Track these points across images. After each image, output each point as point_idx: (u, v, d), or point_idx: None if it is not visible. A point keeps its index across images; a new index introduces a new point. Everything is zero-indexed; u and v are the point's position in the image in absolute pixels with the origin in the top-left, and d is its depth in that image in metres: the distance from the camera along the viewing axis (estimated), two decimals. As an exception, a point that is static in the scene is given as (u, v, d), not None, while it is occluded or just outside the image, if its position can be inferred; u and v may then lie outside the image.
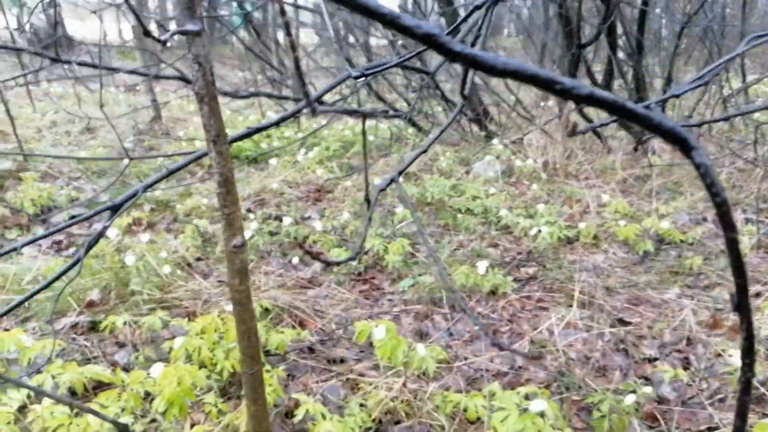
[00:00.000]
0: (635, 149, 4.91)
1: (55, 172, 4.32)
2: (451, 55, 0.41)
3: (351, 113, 4.99)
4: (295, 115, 1.57)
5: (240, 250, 1.14)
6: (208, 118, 1.06)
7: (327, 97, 5.81)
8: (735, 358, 2.25)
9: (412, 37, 0.42)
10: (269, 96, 4.07)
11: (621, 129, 5.78)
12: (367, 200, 0.84)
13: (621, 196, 4.37)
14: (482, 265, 2.82)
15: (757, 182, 4.35)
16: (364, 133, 1.05)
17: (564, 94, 0.37)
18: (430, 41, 0.41)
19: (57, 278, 1.87)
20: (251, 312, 1.18)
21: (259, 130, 2.13)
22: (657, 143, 5.53)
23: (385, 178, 0.87)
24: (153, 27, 8.56)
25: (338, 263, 0.53)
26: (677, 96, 1.12)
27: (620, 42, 5.65)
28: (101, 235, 1.86)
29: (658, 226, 3.60)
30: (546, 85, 0.38)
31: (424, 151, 1.29)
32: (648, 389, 1.90)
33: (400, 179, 0.92)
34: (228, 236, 1.14)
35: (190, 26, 1.02)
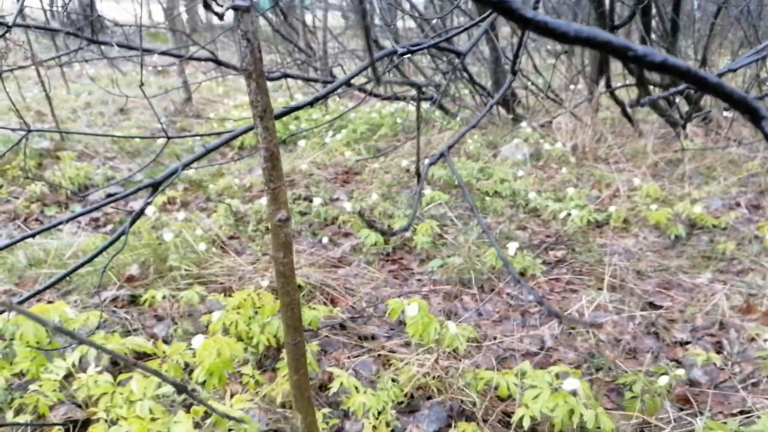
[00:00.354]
0: (683, 126, 4.81)
1: (91, 152, 4.43)
2: (523, 21, 0.42)
3: (409, 84, 4.98)
4: (354, 77, 1.59)
5: (284, 224, 1.17)
6: (255, 94, 1.09)
7: (354, 79, 5.81)
8: (769, 342, 2.23)
9: (483, 3, 0.43)
10: (299, 78, 4.08)
11: (653, 112, 5.68)
12: (418, 174, 0.86)
13: (652, 180, 4.32)
14: (512, 247, 2.82)
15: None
16: (418, 108, 1.06)
17: (637, 60, 0.39)
18: (503, 8, 0.42)
19: (102, 251, 1.94)
20: (294, 284, 1.21)
21: (302, 106, 2.17)
22: (690, 127, 5.43)
23: (435, 153, 0.88)
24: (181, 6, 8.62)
25: (393, 234, 0.55)
26: (734, 70, 1.11)
27: (653, 23, 5.53)
28: (144, 210, 1.91)
29: (691, 211, 3.55)
30: (619, 51, 0.39)
31: (474, 126, 1.29)
32: (680, 371, 1.90)
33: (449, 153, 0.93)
34: (273, 210, 1.17)
35: (240, 2, 1.04)
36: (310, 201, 3.83)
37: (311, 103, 2.31)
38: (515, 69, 1.29)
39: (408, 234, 3.36)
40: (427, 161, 0.86)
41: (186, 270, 2.60)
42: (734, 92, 0.42)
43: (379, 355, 2.22)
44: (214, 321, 2.08)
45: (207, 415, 1.63)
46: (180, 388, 0.73)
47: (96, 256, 1.98)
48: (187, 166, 2.11)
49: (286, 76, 4.70)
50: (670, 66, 0.40)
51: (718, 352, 2.28)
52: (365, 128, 5.62)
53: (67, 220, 1.95)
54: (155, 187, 2.03)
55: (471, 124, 1.17)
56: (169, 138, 2.22)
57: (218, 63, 4.27)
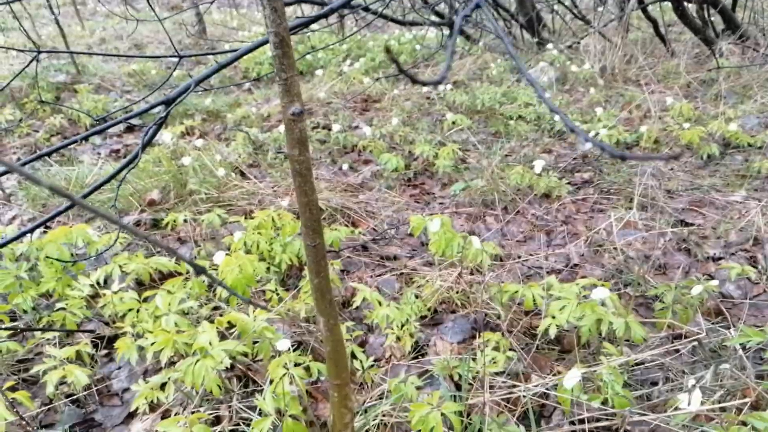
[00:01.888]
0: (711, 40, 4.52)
1: (108, 85, 4.38)
2: None
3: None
4: None
5: (299, 118, 1.11)
6: (263, -30, 1.00)
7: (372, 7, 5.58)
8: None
9: None
10: (314, 3, 3.92)
11: (686, 31, 5.39)
12: (450, 26, 0.78)
13: (685, 101, 4.13)
14: (538, 164, 2.74)
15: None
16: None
17: None
18: None
19: (120, 170, 1.91)
20: (312, 184, 1.16)
21: (317, 18, 2.06)
22: (725, 46, 5.15)
23: (470, 5, 0.80)
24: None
25: (425, 83, 0.50)
26: None
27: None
28: (160, 124, 1.87)
29: (725, 129, 3.40)
30: None
31: None
32: (714, 282, 1.84)
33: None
34: (286, 103, 1.10)
35: None
36: (329, 129, 3.76)
37: (326, 15, 2.21)
38: None
39: (430, 158, 3.28)
40: (462, 12, 0.78)
41: (206, 194, 2.58)
42: None
43: (402, 274, 2.20)
44: (236, 240, 2.06)
45: (231, 326, 1.63)
46: (198, 269, 0.70)
47: (115, 175, 1.96)
48: (200, 82, 2.05)
49: (300, 1, 4.53)
50: None
51: (753, 267, 2.21)
52: (384, 56, 5.45)
53: (83, 138, 1.92)
54: (168, 103, 1.98)
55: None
56: (180, 57, 2.15)
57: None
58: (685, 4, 5.01)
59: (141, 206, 2.51)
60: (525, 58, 5.34)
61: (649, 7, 5.41)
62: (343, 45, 5.76)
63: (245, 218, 2.34)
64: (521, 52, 5.65)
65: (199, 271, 0.77)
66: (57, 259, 1.88)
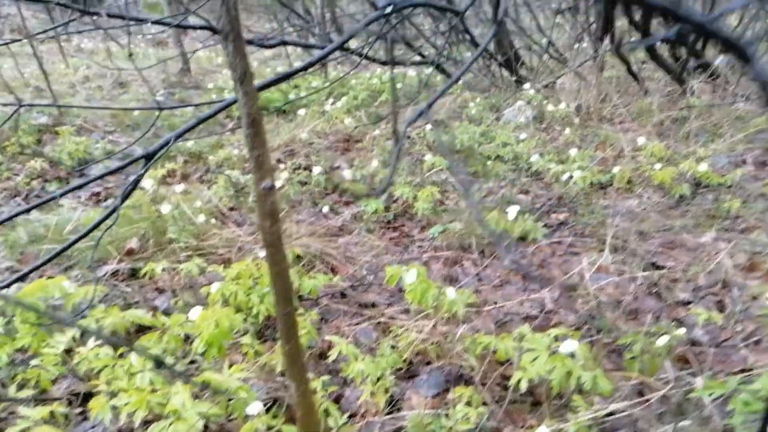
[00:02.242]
0: (681, 75, 4.66)
1: (90, 126, 4.40)
2: None
3: (406, 45, 4.89)
4: (347, 42, 1.56)
5: (270, 193, 1.15)
6: (234, 57, 1.05)
7: (352, 44, 5.70)
8: (772, 300, 2.20)
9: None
10: (296, 44, 4.01)
11: (659, 70, 5.55)
12: (395, 135, 0.83)
13: (657, 139, 4.24)
14: (512, 210, 2.79)
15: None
16: (392, 81, 1.02)
17: None
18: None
19: (96, 226, 1.93)
20: (283, 254, 1.20)
21: (288, 76, 2.12)
22: (696, 84, 5.32)
23: (414, 110, 0.85)
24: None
25: (368, 196, 0.53)
26: (732, 11, 1.05)
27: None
28: (137, 182, 1.90)
29: (696, 169, 3.50)
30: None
31: (457, 81, 1.24)
32: (681, 331, 1.89)
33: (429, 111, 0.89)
34: (258, 178, 1.14)
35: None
36: (310, 170, 3.81)
37: (305, 68, 2.27)
38: (498, 20, 1.24)
39: (409, 200, 3.34)
40: (406, 120, 0.83)
41: (185, 242, 2.60)
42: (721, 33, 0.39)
43: (379, 323, 2.23)
44: (213, 292, 2.08)
45: (205, 385, 1.64)
46: (158, 362, 0.72)
47: (90, 231, 1.97)
48: (179, 136, 2.08)
49: (284, 43, 4.62)
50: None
51: (721, 311, 2.27)
52: (366, 94, 5.55)
53: (61, 194, 1.94)
54: (149, 158, 2.01)
55: (450, 81, 1.12)
56: (161, 109, 2.19)
57: (214, 31, 4.19)
58: (657, 43, 5.18)
59: (119, 255, 2.52)
60: (504, 97, 5.46)
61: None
62: (326, 83, 5.86)
63: (224, 267, 2.36)
64: (499, 90, 5.78)
65: (159, 364, 0.80)
66: (33, 324, 1.89)
